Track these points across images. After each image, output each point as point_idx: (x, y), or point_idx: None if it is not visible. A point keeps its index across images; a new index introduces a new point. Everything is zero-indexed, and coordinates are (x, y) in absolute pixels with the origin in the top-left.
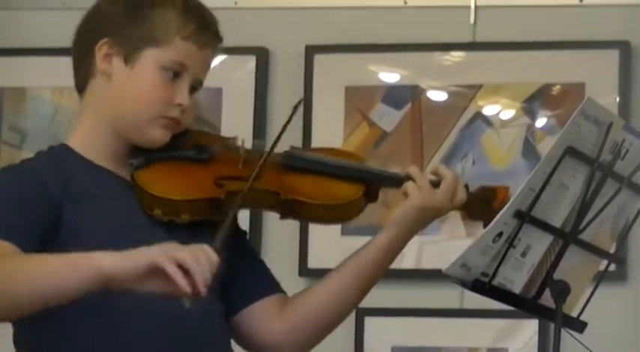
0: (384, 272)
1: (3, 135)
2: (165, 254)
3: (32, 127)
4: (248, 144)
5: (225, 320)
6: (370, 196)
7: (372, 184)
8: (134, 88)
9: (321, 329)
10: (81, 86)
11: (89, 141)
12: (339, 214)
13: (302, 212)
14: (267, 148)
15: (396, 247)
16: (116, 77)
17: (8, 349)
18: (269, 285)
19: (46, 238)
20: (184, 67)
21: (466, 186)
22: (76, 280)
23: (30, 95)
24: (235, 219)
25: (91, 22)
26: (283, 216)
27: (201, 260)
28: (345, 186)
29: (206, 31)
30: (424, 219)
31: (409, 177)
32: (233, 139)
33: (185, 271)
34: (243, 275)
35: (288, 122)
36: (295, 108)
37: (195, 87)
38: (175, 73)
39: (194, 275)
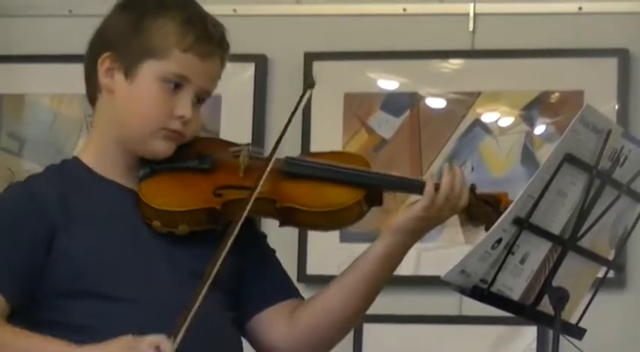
0: (386, 279)
1: (2, 142)
2: None
3: (31, 134)
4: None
5: (234, 328)
6: (373, 200)
7: (374, 188)
8: (135, 103)
9: (325, 335)
10: (91, 100)
11: (100, 155)
12: (337, 221)
13: (299, 220)
14: (267, 154)
15: (396, 254)
16: (118, 92)
17: None
18: (281, 291)
19: (35, 274)
20: (185, 79)
21: (472, 188)
22: None
23: (29, 102)
24: (251, 222)
25: (97, 36)
26: (282, 224)
27: None
28: (343, 192)
29: (207, 42)
30: (426, 226)
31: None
32: (241, 145)
33: None
34: (255, 282)
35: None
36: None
37: (201, 97)
38: (176, 85)
39: None
